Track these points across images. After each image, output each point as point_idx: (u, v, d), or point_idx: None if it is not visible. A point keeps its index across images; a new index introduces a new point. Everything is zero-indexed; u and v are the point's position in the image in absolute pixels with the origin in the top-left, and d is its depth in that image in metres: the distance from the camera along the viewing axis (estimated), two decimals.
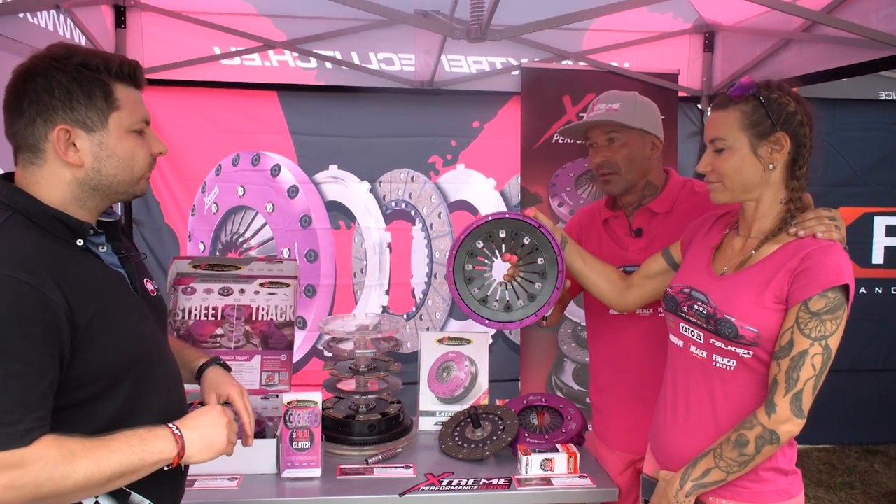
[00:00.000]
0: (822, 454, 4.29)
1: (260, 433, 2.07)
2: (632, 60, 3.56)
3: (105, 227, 1.29)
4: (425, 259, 3.73)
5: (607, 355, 2.12)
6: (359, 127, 3.57)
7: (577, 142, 3.28)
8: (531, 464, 1.95)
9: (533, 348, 3.56)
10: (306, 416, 1.93)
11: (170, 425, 1.23)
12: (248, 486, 1.87)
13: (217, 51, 3.33)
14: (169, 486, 1.32)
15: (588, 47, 3.53)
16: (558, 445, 2.03)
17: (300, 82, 3.44)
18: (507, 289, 1.86)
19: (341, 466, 1.99)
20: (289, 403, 1.93)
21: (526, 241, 1.82)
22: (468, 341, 2.34)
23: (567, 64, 3.55)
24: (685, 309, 1.59)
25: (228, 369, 1.58)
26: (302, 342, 3.64)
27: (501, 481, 1.91)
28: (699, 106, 3.69)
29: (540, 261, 1.83)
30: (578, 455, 1.98)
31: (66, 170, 1.20)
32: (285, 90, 3.47)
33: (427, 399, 2.30)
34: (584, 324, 2.28)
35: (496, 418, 2.14)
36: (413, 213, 3.70)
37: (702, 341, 1.55)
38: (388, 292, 3.73)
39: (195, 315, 2.24)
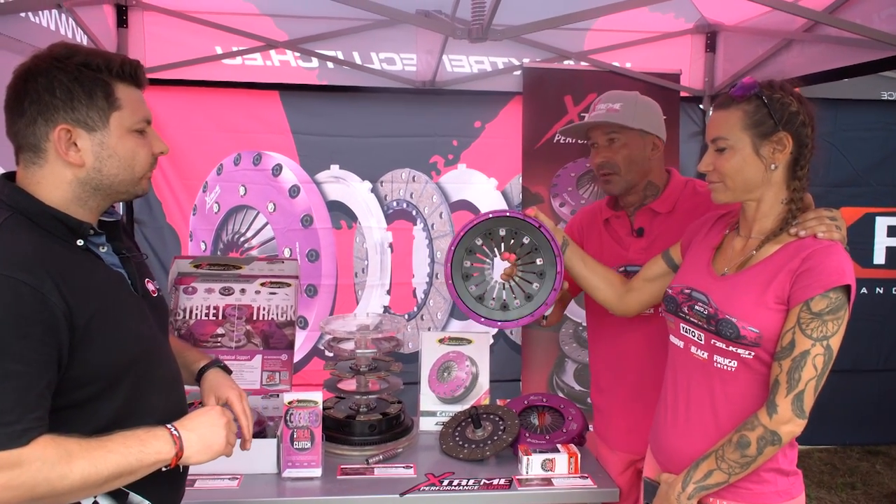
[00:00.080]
0: (823, 455, 4.29)
1: (261, 433, 2.07)
2: (634, 60, 3.56)
3: (106, 227, 1.29)
4: (426, 259, 3.73)
5: (608, 355, 2.11)
6: (360, 127, 3.57)
7: (579, 142, 3.29)
8: (532, 464, 1.95)
9: (534, 348, 3.56)
10: (307, 416, 1.93)
11: (168, 426, 1.23)
12: (248, 485, 1.87)
13: (219, 50, 3.33)
14: (168, 487, 1.32)
15: (590, 47, 3.53)
16: (559, 446, 2.03)
17: (302, 82, 3.44)
18: (504, 288, 1.86)
19: (342, 466, 1.99)
20: (289, 403, 1.93)
21: (526, 240, 1.82)
22: (469, 341, 2.34)
23: (569, 64, 3.55)
24: (685, 310, 1.58)
25: (229, 372, 1.58)
26: (303, 342, 3.64)
27: (502, 481, 1.91)
28: (701, 106, 3.68)
29: (539, 261, 1.82)
30: (579, 455, 1.98)
31: (68, 169, 1.20)
32: (287, 90, 3.48)
33: (428, 399, 2.30)
34: (585, 324, 2.28)
35: (497, 418, 2.14)
36: (414, 212, 3.70)
37: (702, 342, 1.55)
38: (389, 292, 3.73)
39: (196, 314, 2.25)
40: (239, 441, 1.43)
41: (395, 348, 2.26)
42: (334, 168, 3.61)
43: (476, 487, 1.88)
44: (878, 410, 4.36)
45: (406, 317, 3.73)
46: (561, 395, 3.42)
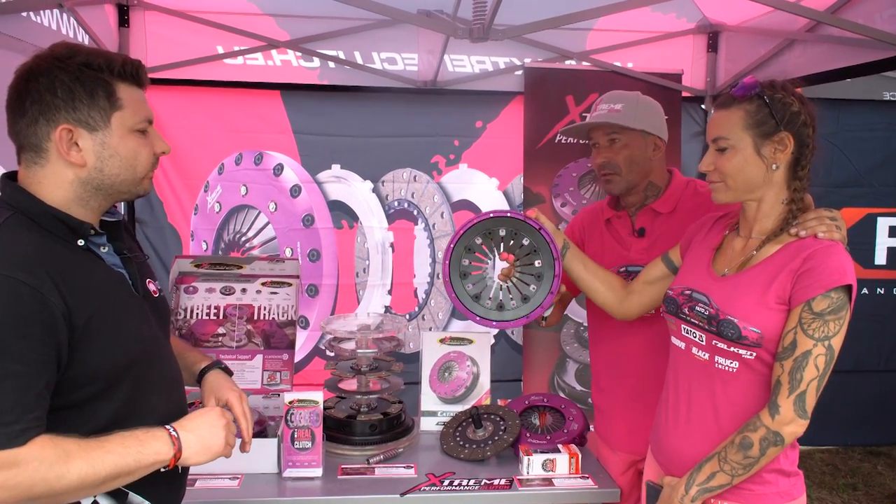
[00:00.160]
0: (824, 455, 4.28)
1: (261, 432, 2.07)
2: (635, 60, 3.56)
3: (108, 228, 1.29)
4: (428, 259, 3.73)
5: (609, 356, 2.11)
6: (362, 126, 3.57)
7: (580, 142, 3.29)
8: (532, 464, 1.95)
9: (535, 348, 3.56)
10: (308, 416, 1.93)
11: (167, 427, 1.23)
12: (249, 485, 1.87)
13: (220, 50, 3.33)
14: (168, 487, 1.32)
15: (591, 47, 3.53)
16: (560, 446, 2.03)
17: (303, 82, 3.44)
18: (501, 288, 1.86)
19: (342, 466, 1.99)
20: (290, 403, 1.93)
21: (525, 241, 1.82)
22: (470, 341, 2.34)
23: (570, 64, 3.55)
24: (686, 311, 1.58)
25: (230, 373, 1.58)
26: (304, 342, 3.64)
27: (503, 481, 1.91)
28: (703, 106, 3.68)
29: (537, 263, 1.82)
30: (580, 456, 1.98)
31: (69, 169, 1.20)
32: (288, 89, 3.48)
33: (428, 399, 2.30)
34: (586, 324, 2.28)
35: (498, 418, 2.14)
36: (416, 212, 3.70)
37: (704, 343, 1.55)
38: (390, 292, 3.73)
39: (197, 314, 2.25)
40: (238, 442, 1.42)
41: (396, 348, 2.26)
42: (335, 168, 3.61)
43: (477, 487, 1.88)
44: (879, 411, 4.35)
45: (407, 317, 3.73)
46: (562, 395, 3.42)
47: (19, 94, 1.18)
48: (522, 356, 3.61)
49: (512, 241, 1.84)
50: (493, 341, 2.48)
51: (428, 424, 2.28)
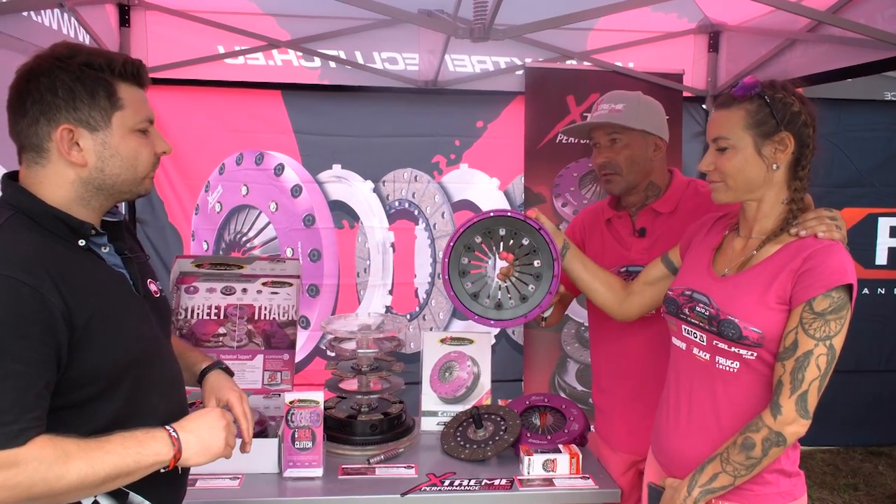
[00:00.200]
0: (826, 455, 4.28)
1: (262, 432, 2.07)
2: (636, 60, 3.56)
3: (109, 228, 1.29)
4: (429, 259, 3.73)
5: (610, 356, 2.11)
6: (362, 126, 3.57)
7: (581, 141, 3.29)
8: (533, 464, 1.95)
9: (536, 348, 3.56)
10: (308, 416, 1.93)
11: (167, 427, 1.23)
12: (249, 485, 1.87)
13: (221, 50, 3.34)
14: (169, 487, 1.32)
15: (592, 47, 3.53)
16: (560, 446, 2.02)
17: (304, 81, 3.45)
18: (500, 287, 1.86)
19: (343, 466, 1.99)
20: (291, 403, 1.93)
21: (525, 241, 1.82)
22: (470, 341, 2.34)
23: (571, 64, 3.55)
24: (686, 311, 1.58)
25: (231, 374, 1.57)
26: (305, 342, 3.64)
27: (503, 482, 1.91)
28: (704, 106, 3.68)
29: (536, 263, 1.82)
30: (581, 456, 1.98)
31: (70, 169, 1.20)
32: (289, 89, 3.48)
33: (429, 399, 2.30)
34: (587, 324, 2.28)
35: (498, 418, 2.14)
36: (416, 212, 3.70)
37: (704, 343, 1.54)
38: (391, 292, 3.73)
39: (198, 314, 2.25)
40: (239, 443, 1.42)
41: (397, 348, 2.26)
42: (336, 168, 3.61)
43: (477, 488, 1.88)
44: (880, 411, 4.35)
45: (408, 317, 3.73)
46: (563, 395, 3.42)
47: (20, 94, 1.18)
48: (523, 356, 3.61)
49: (512, 241, 1.84)
50: (493, 341, 2.48)
51: (428, 424, 2.28)
